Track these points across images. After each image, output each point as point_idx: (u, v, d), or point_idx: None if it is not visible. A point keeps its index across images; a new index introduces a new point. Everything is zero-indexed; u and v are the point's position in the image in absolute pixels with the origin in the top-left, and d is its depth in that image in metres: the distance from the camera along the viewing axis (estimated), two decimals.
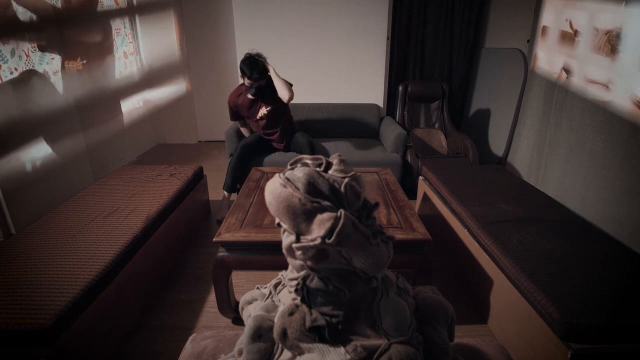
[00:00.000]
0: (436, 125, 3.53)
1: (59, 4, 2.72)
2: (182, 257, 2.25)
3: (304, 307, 0.73)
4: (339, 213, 0.65)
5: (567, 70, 2.58)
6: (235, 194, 2.51)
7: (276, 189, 0.68)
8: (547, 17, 2.85)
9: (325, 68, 3.52)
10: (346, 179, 0.70)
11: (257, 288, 0.94)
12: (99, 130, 3.19)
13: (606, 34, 2.22)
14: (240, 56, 2.79)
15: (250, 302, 0.92)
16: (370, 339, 0.71)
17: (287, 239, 0.71)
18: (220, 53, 4.10)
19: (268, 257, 1.57)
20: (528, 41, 3.28)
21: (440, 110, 3.53)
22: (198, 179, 2.59)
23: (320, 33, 3.41)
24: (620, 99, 2.12)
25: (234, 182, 2.70)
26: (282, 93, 2.60)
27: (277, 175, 0.70)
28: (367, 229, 0.69)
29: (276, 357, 0.75)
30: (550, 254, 1.56)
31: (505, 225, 1.79)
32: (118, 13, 3.55)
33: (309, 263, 0.71)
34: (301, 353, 0.72)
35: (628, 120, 2.06)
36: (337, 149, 3.06)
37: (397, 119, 3.48)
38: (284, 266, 0.82)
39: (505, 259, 1.56)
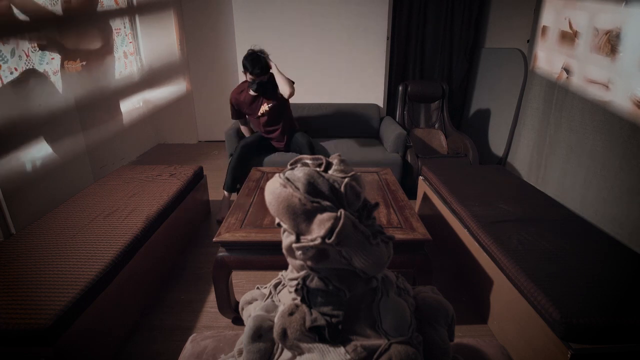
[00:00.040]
0: (436, 125, 3.53)
1: (58, 6, 2.71)
2: (182, 257, 2.25)
3: (304, 307, 0.73)
4: (339, 213, 0.65)
5: (567, 70, 2.58)
6: (235, 194, 2.50)
7: (276, 189, 0.68)
8: (547, 17, 2.85)
9: (325, 68, 3.52)
10: (346, 179, 0.70)
11: (257, 288, 0.94)
12: (99, 130, 3.19)
13: (606, 34, 2.22)
14: (240, 56, 2.79)
15: (250, 302, 0.92)
16: (370, 339, 0.71)
17: (287, 239, 0.71)
18: (220, 53, 4.10)
19: (268, 257, 1.57)
20: (528, 41, 3.28)
21: (440, 110, 3.53)
22: (198, 179, 2.59)
23: (320, 33, 3.42)
24: (620, 99, 2.12)
25: (234, 182, 2.70)
26: (283, 88, 2.61)
27: (277, 175, 0.70)
28: (367, 229, 0.69)
29: (276, 357, 0.75)
30: (550, 254, 1.56)
31: (505, 225, 1.79)
32: (118, 13, 3.55)
33: (309, 263, 0.71)
34: (301, 353, 0.72)
35: (628, 120, 2.06)
36: (337, 149, 3.06)
37: (397, 119, 3.48)
38: (284, 266, 0.82)
39: (505, 259, 1.56)
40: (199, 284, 2.00)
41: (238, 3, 3.32)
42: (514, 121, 3.21)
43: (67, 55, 2.81)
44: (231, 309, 1.68)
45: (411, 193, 2.74)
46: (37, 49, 2.50)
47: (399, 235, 1.57)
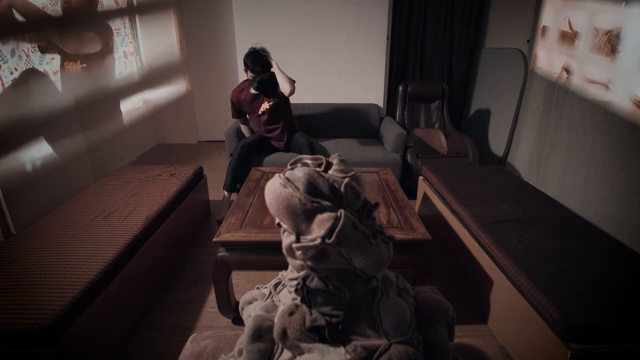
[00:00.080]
0: (436, 125, 3.53)
1: (58, 6, 2.71)
2: (182, 257, 2.25)
3: (304, 307, 0.73)
4: (339, 213, 0.65)
5: (567, 70, 2.58)
6: (235, 194, 2.51)
7: (276, 189, 0.68)
8: (547, 17, 2.85)
9: (325, 68, 3.52)
10: (346, 179, 0.70)
11: (257, 288, 0.94)
12: (99, 130, 3.19)
13: (606, 34, 2.22)
14: (240, 56, 2.79)
15: (250, 302, 0.92)
16: (370, 339, 0.71)
17: (287, 239, 0.71)
18: (220, 53, 4.10)
19: (268, 257, 1.57)
20: (528, 41, 3.28)
21: (440, 110, 3.53)
22: (198, 179, 2.59)
23: (320, 33, 3.42)
24: (620, 99, 2.12)
25: (234, 182, 2.70)
26: (284, 86, 2.61)
27: (277, 175, 0.70)
28: (367, 229, 0.69)
29: (276, 357, 0.75)
30: (550, 254, 1.56)
31: (505, 225, 1.79)
32: (118, 13, 3.55)
33: (309, 263, 0.71)
34: (301, 353, 0.72)
35: (628, 120, 2.06)
36: (337, 149, 3.06)
37: (397, 119, 3.48)
38: (284, 266, 0.82)
39: (505, 259, 1.56)
40: (199, 284, 2.00)
41: (238, 3, 3.32)
42: (514, 121, 3.21)
43: (67, 56, 2.81)
44: (231, 309, 1.68)
45: (411, 193, 2.74)
46: (37, 49, 2.50)
47: (399, 235, 1.57)
